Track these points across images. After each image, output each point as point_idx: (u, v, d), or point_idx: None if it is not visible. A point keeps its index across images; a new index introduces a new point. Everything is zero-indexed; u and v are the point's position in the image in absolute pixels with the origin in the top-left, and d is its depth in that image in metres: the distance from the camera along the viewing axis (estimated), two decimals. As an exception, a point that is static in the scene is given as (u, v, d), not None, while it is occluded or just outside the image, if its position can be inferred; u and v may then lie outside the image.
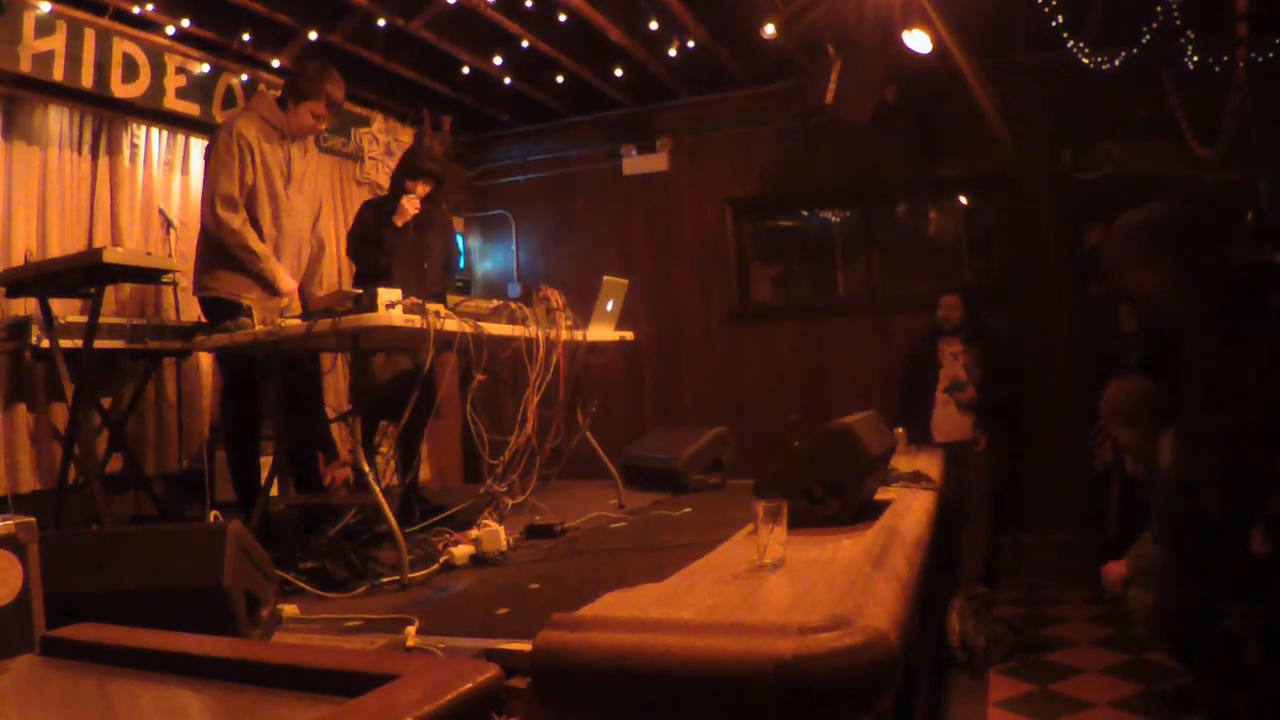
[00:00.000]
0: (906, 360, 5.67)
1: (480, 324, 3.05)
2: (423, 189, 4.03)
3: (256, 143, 3.51)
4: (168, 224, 4.70)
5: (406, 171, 4.07)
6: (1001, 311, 5.72)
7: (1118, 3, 4.78)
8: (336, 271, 5.76)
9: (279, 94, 3.68)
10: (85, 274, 3.61)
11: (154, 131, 4.93)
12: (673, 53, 5.73)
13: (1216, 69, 4.99)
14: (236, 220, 3.45)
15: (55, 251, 4.30)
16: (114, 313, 4.36)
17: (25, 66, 4.02)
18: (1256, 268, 3.02)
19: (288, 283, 3.59)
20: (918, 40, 4.66)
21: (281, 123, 3.61)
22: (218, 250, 3.51)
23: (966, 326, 5.42)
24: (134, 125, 4.82)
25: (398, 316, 2.72)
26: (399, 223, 3.98)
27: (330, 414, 4.08)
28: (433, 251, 4.18)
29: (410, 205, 3.97)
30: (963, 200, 6.32)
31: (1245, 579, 2.57)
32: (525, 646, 1.67)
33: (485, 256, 7.37)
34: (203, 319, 3.71)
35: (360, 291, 2.78)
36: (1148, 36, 4.76)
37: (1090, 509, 5.40)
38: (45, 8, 4.06)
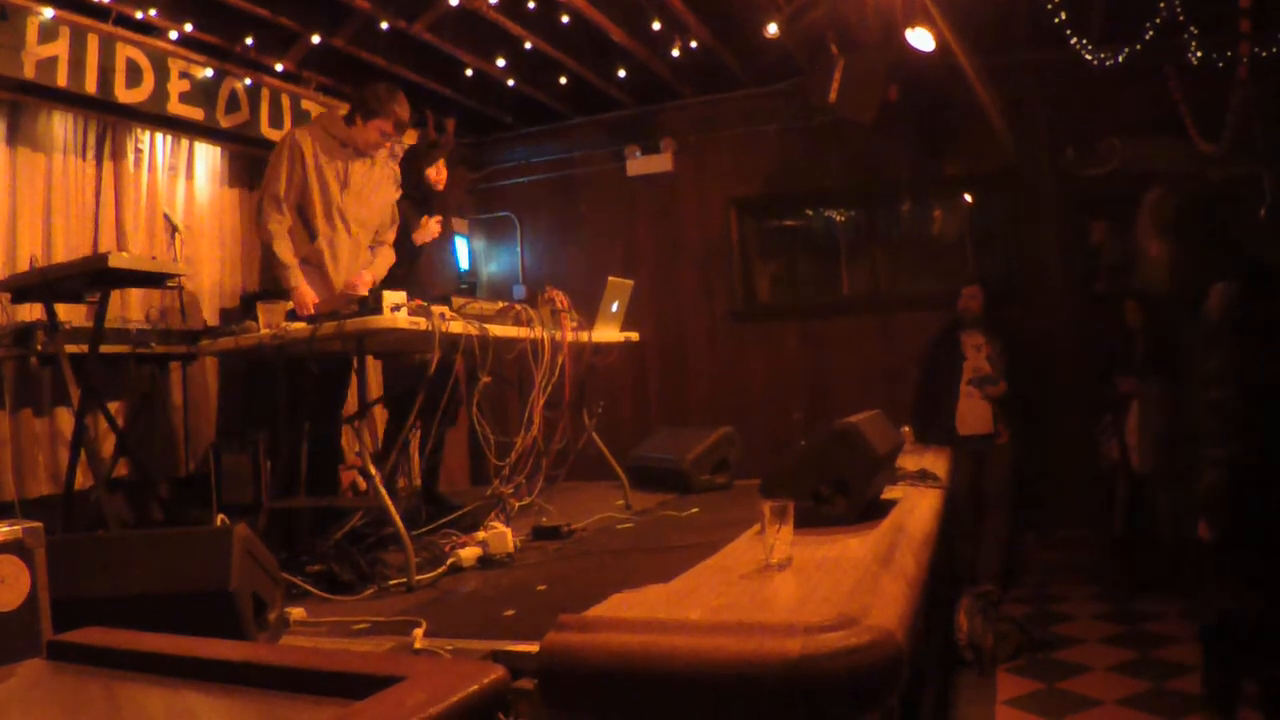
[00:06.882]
0: (927, 354, 5.63)
1: (485, 326, 3.06)
2: (442, 171, 4.16)
3: (311, 150, 3.67)
4: (172, 228, 4.70)
5: (424, 160, 4.17)
6: (1006, 309, 5.71)
7: (1120, -1, 4.78)
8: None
9: (345, 112, 3.83)
10: (90, 279, 3.62)
11: (158, 136, 4.94)
12: (675, 53, 5.72)
13: (1220, 64, 4.97)
14: (275, 222, 3.60)
15: (60, 257, 4.31)
16: (119, 317, 4.37)
17: (29, 73, 4.02)
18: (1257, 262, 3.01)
19: (306, 296, 3.58)
20: (920, 38, 4.66)
21: (345, 135, 3.74)
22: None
23: (987, 317, 5.42)
24: (138, 130, 4.82)
25: (403, 319, 2.72)
26: (419, 241, 4.14)
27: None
28: (443, 251, 4.23)
29: (435, 225, 4.16)
30: (967, 198, 6.31)
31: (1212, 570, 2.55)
32: (532, 648, 1.67)
33: (490, 259, 7.37)
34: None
35: (365, 295, 2.78)
36: (1151, 32, 4.74)
37: (1096, 505, 5.39)
38: (48, 14, 4.06)
